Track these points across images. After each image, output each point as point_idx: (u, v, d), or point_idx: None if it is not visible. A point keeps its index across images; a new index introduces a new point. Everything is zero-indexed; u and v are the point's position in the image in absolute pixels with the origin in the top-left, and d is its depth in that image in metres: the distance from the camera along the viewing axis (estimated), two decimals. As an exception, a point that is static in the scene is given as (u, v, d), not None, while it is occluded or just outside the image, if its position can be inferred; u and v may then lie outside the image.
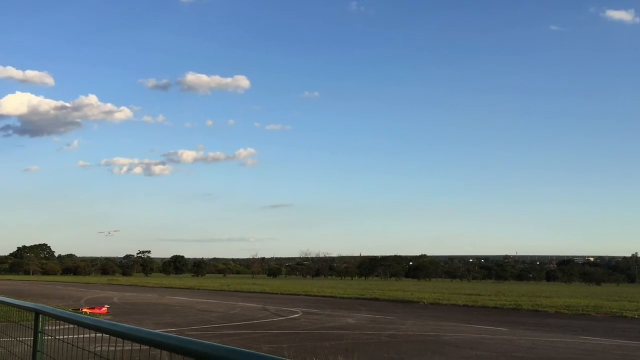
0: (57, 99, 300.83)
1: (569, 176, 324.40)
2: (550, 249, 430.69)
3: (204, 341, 2.29)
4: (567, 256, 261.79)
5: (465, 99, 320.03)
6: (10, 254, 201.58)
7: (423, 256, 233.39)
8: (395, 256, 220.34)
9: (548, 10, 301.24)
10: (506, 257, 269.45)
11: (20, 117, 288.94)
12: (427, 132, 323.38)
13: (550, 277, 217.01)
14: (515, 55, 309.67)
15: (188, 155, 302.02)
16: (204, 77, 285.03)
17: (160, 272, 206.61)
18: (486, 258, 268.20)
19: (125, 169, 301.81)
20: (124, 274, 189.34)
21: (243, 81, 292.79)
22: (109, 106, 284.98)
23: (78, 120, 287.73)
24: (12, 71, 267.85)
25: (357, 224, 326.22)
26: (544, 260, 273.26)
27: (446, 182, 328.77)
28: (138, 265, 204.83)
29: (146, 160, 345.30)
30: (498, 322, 28.12)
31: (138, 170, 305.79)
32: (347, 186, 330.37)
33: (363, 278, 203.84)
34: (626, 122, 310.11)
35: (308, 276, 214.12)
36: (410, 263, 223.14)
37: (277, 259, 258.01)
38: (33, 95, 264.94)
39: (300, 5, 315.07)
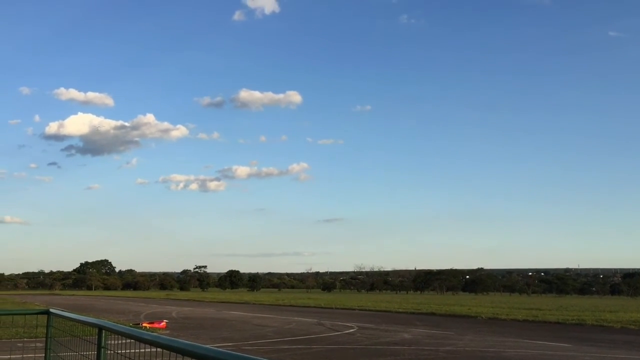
0: (116, 119, 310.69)
1: (632, 184, 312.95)
2: (614, 261, 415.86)
3: (257, 357, 2.36)
4: (633, 269, 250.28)
5: (519, 105, 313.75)
6: (74, 270, 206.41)
7: (480, 269, 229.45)
8: (451, 270, 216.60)
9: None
10: (567, 270, 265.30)
11: (82, 137, 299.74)
12: (480, 143, 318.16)
13: (614, 290, 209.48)
14: (570, 62, 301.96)
15: (242, 171, 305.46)
16: (256, 94, 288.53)
17: (216, 286, 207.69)
18: (546, 271, 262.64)
19: (181, 185, 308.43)
20: (182, 288, 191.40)
21: (295, 97, 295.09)
22: (166, 125, 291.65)
23: (137, 139, 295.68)
24: (74, 93, 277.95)
25: (411, 237, 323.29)
26: (608, 273, 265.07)
27: (503, 192, 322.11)
28: (195, 280, 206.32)
29: (201, 177, 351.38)
30: (561, 338, 27.25)
31: (194, 186, 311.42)
32: (400, 199, 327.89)
33: (418, 292, 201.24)
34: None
35: (363, 290, 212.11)
36: (467, 277, 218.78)
37: (331, 273, 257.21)
38: (94, 116, 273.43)
39: (350, 19, 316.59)
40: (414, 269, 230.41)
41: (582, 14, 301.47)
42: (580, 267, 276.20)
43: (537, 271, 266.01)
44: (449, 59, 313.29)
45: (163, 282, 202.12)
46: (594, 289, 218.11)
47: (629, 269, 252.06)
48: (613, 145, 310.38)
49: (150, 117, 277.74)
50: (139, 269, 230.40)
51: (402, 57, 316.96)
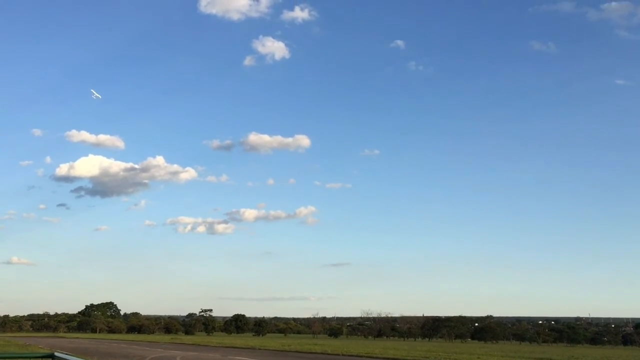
0: (126, 161, 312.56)
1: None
2: (625, 310, 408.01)
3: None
4: None
5: (532, 153, 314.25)
6: (79, 312, 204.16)
7: (489, 317, 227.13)
8: (460, 317, 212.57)
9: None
10: (578, 319, 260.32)
11: (92, 179, 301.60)
12: (489, 190, 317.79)
13: (627, 341, 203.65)
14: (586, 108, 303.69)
15: (250, 214, 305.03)
16: (266, 137, 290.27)
17: (222, 331, 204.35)
18: (557, 320, 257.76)
19: (189, 227, 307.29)
20: (187, 332, 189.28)
21: (304, 140, 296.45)
22: (175, 167, 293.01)
23: (146, 181, 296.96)
24: (86, 135, 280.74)
25: (419, 282, 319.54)
26: (620, 323, 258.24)
27: (513, 238, 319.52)
28: (200, 324, 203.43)
29: (209, 219, 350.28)
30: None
31: (201, 229, 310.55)
32: (408, 244, 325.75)
33: (427, 339, 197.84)
34: None
35: (370, 337, 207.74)
36: (476, 324, 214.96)
37: (338, 318, 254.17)
38: (104, 158, 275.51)
39: (359, 65, 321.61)
40: (422, 315, 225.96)
41: (588, 62, 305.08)
42: (592, 316, 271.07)
43: (548, 319, 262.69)
44: (457, 106, 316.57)
45: (168, 325, 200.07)
46: (605, 338, 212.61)
47: None
48: (625, 194, 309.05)
49: (159, 160, 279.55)
50: (144, 312, 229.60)
51: (411, 103, 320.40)
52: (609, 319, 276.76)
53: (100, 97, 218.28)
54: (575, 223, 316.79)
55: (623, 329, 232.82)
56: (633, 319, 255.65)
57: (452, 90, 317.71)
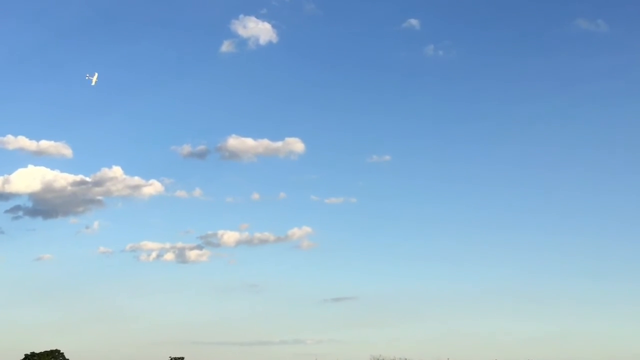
0: (75, 173, 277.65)
1: None
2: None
3: None
4: None
5: (582, 159, 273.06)
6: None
7: None
8: None
9: None
10: None
11: (32, 196, 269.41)
12: (531, 202, 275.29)
13: None
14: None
15: (230, 237, 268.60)
16: (249, 141, 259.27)
17: None
18: None
19: (154, 255, 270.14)
20: None
21: (296, 145, 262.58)
22: (136, 180, 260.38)
23: (99, 197, 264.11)
24: (24, 141, 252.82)
25: (441, 321, 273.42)
26: None
27: (559, 265, 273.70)
28: None
29: (179, 245, 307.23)
30: None
31: (169, 256, 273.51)
32: (428, 274, 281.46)
33: None
34: None
35: None
36: None
37: None
38: (48, 169, 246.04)
39: (366, 50, 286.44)
40: None
41: None
42: None
43: None
44: (488, 99, 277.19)
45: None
46: None
47: None
48: None
49: (117, 171, 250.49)
50: None
51: (429, 96, 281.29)
52: None
53: (95, 80, 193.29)
54: (635, 248, 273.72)
55: None
56: None
57: (481, 80, 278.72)
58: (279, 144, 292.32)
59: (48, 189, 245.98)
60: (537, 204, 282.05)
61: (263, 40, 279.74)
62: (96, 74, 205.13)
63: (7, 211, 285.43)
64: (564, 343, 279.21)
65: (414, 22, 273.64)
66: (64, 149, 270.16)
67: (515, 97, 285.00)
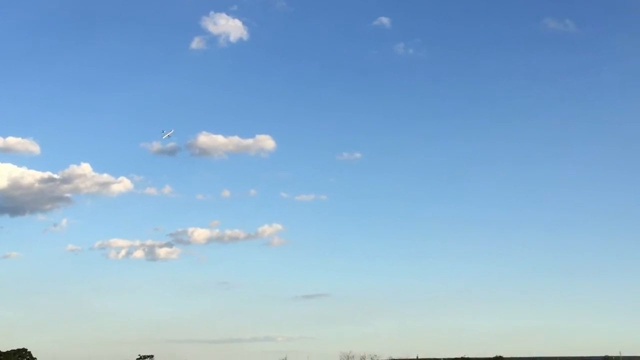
0: (43, 170, 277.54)
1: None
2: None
3: None
4: None
5: (551, 157, 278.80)
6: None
7: (498, 358, 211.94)
8: (463, 358, 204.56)
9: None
10: (607, 358, 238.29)
11: None
12: (499, 201, 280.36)
13: None
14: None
15: (200, 234, 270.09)
16: (219, 139, 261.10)
17: None
18: None
19: (123, 253, 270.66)
20: None
21: (267, 142, 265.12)
22: (105, 177, 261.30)
23: (68, 195, 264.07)
24: None
25: (412, 317, 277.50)
26: None
27: (526, 263, 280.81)
28: None
29: (149, 242, 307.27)
30: None
31: (139, 254, 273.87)
32: (399, 271, 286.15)
33: None
34: None
35: None
36: None
37: None
38: (15, 166, 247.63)
39: (337, 47, 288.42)
40: (416, 357, 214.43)
41: (616, 43, 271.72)
42: (623, 354, 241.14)
43: (570, 359, 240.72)
44: (457, 98, 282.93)
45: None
46: None
47: None
48: None
49: (85, 168, 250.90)
50: None
51: (400, 94, 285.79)
52: None
53: (171, 133, 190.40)
54: (601, 242, 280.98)
55: None
56: None
57: (450, 78, 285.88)
58: (250, 141, 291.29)
59: (15, 186, 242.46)
60: (509, 201, 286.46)
61: (234, 37, 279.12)
62: (172, 130, 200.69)
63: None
64: (532, 338, 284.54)
65: (384, 20, 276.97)
66: (32, 146, 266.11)
67: (485, 94, 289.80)
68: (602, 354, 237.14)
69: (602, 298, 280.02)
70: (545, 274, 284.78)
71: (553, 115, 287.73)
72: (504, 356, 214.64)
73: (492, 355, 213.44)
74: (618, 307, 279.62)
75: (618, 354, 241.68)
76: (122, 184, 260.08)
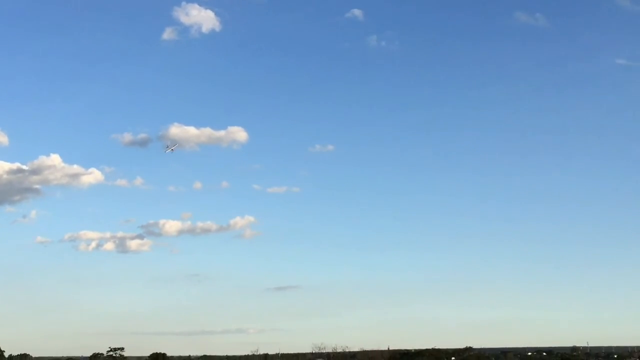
0: (11, 161, 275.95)
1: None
2: (629, 338, 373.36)
3: None
4: None
5: (522, 148, 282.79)
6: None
7: (468, 349, 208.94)
8: (433, 350, 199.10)
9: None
10: (575, 349, 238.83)
11: None
12: (469, 193, 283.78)
13: None
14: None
15: (171, 226, 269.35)
16: (191, 130, 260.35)
17: None
18: (549, 351, 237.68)
19: (93, 245, 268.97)
20: None
21: (239, 134, 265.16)
22: (75, 168, 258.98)
23: (37, 186, 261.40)
24: None
25: (383, 309, 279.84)
26: (623, 352, 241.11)
27: (497, 255, 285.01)
28: None
29: (120, 234, 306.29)
30: None
31: (109, 246, 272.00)
32: (371, 263, 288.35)
33: None
34: None
35: None
36: (453, 358, 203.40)
37: (283, 355, 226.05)
38: None
39: (307, 40, 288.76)
40: (387, 349, 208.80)
41: (584, 38, 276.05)
42: (590, 345, 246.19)
43: (538, 350, 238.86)
44: (429, 90, 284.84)
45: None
46: None
47: None
48: (626, 204, 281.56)
49: (55, 159, 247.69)
50: (35, 353, 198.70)
51: (372, 87, 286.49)
52: (610, 347, 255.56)
53: (175, 147, 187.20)
54: (572, 238, 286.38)
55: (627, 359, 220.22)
56: (639, 348, 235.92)
57: (422, 70, 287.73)
58: (222, 132, 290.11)
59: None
60: (479, 193, 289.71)
61: (206, 28, 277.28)
62: (177, 144, 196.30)
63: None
64: (502, 330, 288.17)
65: (357, 12, 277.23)
66: (0, 136, 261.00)
67: (457, 86, 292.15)
68: (570, 345, 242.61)
69: (570, 291, 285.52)
70: (515, 267, 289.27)
71: (522, 106, 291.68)
72: (474, 347, 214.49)
73: (462, 347, 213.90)
74: (585, 299, 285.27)
75: (585, 344, 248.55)
76: (93, 176, 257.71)
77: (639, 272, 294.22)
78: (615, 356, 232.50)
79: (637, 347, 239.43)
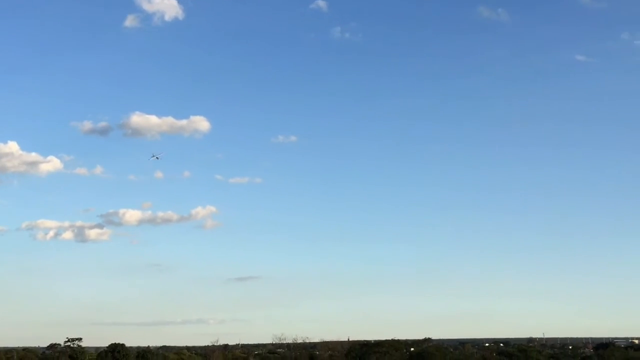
0: None
1: (606, 244, 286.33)
2: (585, 329, 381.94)
3: None
4: (606, 338, 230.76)
5: (473, 146, 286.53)
6: None
7: (427, 340, 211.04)
8: (393, 340, 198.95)
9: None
10: (531, 340, 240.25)
11: None
12: (430, 186, 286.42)
13: None
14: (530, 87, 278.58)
15: (132, 215, 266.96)
16: (153, 119, 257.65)
17: None
18: (506, 342, 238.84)
19: (51, 234, 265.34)
20: None
21: (202, 123, 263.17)
22: (34, 156, 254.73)
23: None
24: None
25: (344, 301, 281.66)
26: (578, 344, 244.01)
27: (456, 248, 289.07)
28: (65, 356, 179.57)
29: (79, 223, 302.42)
30: None
31: (68, 235, 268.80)
32: (332, 254, 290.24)
33: None
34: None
35: None
36: (412, 349, 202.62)
37: (244, 346, 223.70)
38: None
39: (270, 31, 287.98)
40: (347, 340, 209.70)
41: (544, 33, 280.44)
42: (546, 336, 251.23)
43: (495, 341, 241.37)
44: (393, 81, 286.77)
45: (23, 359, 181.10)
46: None
47: (602, 338, 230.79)
48: (582, 191, 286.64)
49: (12, 146, 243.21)
50: None
51: (336, 78, 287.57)
52: (565, 339, 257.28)
53: (161, 154, 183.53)
54: (526, 229, 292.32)
55: (582, 351, 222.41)
56: (593, 339, 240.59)
57: (385, 62, 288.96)
58: (184, 122, 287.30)
59: None
60: (439, 184, 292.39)
61: (169, 16, 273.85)
62: (162, 153, 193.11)
63: None
64: (460, 321, 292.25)
65: (321, 3, 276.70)
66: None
67: (419, 78, 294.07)
68: (527, 336, 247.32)
69: (527, 283, 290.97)
70: (473, 260, 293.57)
71: (483, 98, 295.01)
72: (433, 338, 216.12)
73: (421, 337, 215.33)
74: (541, 292, 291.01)
75: (542, 336, 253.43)
76: (51, 164, 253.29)
77: (595, 265, 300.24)
78: (570, 347, 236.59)
79: (592, 338, 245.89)
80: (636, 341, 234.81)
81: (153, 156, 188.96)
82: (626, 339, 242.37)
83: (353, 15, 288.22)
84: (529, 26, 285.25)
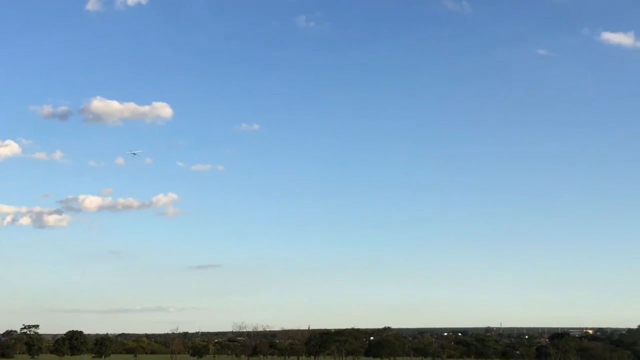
0: None
1: (561, 236, 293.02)
2: (540, 320, 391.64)
3: None
4: (561, 328, 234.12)
5: (433, 137, 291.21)
6: None
7: (387, 329, 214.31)
8: (353, 329, 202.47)
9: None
10: (488, 329, 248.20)
11: None
12: (391, 179, 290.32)
13: (541, 353, 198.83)
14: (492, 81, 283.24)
15: (91, 202, 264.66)
16: (114, 104, 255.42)
17: (52, 352, 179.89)
18: (464, 331, 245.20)
19: (8, 219, 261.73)
20: (3, 355, 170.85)
21: (164, 110, 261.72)
22: None
23: None
24: None
25: (304, 289, 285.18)
26: (534, 334, 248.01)
27: (413, 239, 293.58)
28: (22, 344, 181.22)
29: (37, 209, 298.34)
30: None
31: (25, 221, 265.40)
32: (293, 243, 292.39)
33: (312, 357, 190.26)
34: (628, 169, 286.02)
35: (243, 356, 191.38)
36: (371, 338, 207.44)
37: (203, 334, 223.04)
38: None
39: (238, 16, 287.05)
40: (307, 328, 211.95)
41: (507, 27, 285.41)
42: (503, 326, 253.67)
43: (454, 331, 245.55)
44: (357, 72, 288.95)
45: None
46: (518, 352, 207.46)
47: (557, 329, 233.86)
48: (536, 186, 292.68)
49: None
50: None
51: (300, 66, 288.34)
52: (522, 329, 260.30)
53: (139, 152, 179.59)
54: (484, 219, 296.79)
55: (537, 341, 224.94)
56: (548, 329, 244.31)
57: (350, 52, 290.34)
58: (146, 108, 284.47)
59: None
60: (400, 173, 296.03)
61: (132, 0, 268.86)
62: (140, 151, 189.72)
63: None
64: (419, 310, 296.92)
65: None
66: None
67: (384, 69, 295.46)
68: (485, 326, 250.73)
69: (484, 273, 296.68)
70: (431, 249, 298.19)
71: (445, 91, 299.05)
72: (392, 327, 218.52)
73: (381, 327, 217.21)
74: (498, 282, 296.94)
75: (499, 325, 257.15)
76: (9, 148, 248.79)
77: (551, 255, 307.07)
78: (527, 337, 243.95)
79: (547, 328, 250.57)
80: (590, 331, 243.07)
81: (130, 152, 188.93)
82: (580, 329, 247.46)
83: (319, 4, 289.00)
84: (492, 20, 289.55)
